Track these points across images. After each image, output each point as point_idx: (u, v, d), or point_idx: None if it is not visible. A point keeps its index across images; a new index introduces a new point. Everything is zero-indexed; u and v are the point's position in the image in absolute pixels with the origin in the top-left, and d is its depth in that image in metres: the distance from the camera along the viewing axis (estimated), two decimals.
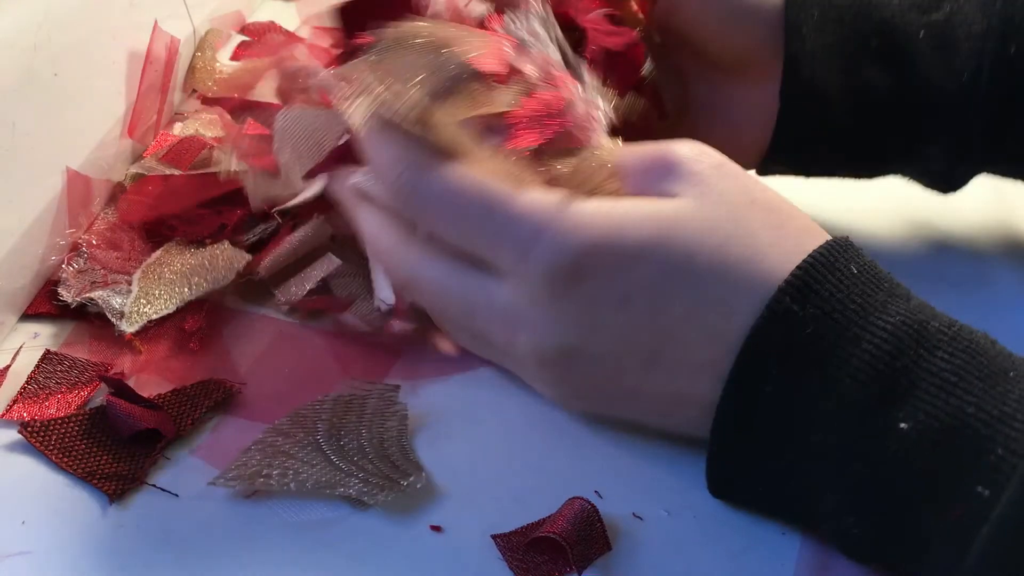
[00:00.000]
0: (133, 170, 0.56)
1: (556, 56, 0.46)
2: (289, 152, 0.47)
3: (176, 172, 0.54)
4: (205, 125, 0.59)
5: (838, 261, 0.40)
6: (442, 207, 0.42)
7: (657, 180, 0.42)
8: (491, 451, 0.46)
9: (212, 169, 0.54)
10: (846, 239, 0.41)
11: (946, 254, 0.56)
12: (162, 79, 0.58)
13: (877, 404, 0.38)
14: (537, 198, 0.41)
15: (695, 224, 0.40)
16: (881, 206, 0.58)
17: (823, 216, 0.56)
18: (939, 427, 0.37)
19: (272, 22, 0.65)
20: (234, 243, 0.52)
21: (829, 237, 0.41)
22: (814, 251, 0.40)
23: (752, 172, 0.53)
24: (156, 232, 0.53)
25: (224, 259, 0.51)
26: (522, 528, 0.42)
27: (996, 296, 0.54)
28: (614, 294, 0.40)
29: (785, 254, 0.40)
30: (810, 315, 0.39)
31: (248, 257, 0.51)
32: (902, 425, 0.37)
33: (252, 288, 0.52)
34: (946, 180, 0.53)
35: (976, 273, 0.55)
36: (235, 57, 0.63)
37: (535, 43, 0.46)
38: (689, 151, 0.42)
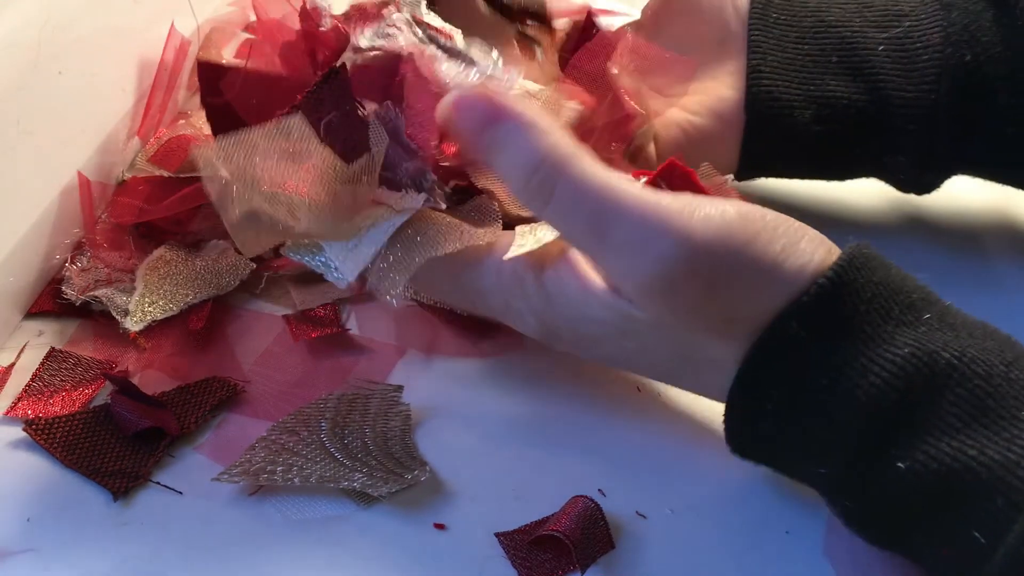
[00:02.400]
0: (127, 172, 0.56)
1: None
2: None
3: (165, 173, 0.54)
4: (208, 123, 0.58)
5: (853, 282, 0.38)
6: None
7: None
8: (495, 449, 0.46)
9: (198, 173, 0.54)
10: (860, 250, 0.39)
11: (943, 240, 0.57)
12: (169, 78, 0.58)
13: (877, 441, 0.37)
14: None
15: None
16: (877, 193, 0.58)
17: (818, 205, 0.57)
18: (937, 468, 0.36)
19: (276, 20, 0.65)
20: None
21: (839, 253, 0.39)
22: (827, 271, 0.38)
23: (730, 177, 0.54)
24: (149, 234, 0.53)
25: (228, 265, 0.52)
26: (526, 526, 0.42)
27: (994, 281, 0.54)
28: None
29: (795, 275, 0.39)
30: (816, 341, 0.38)
31: (252, 265, 0.51)
32: (899, 464, 0.37)
33: (256, 286, 0.52)
34: (916, 185, 0.53)
35: (974, 258, 0.56)
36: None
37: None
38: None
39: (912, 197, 0.56)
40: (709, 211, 0.39)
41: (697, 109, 0.52)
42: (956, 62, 0.50)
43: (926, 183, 0.53)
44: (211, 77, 0.49)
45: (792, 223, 0.40)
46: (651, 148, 0.51)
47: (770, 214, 0.39)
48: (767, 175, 0.55)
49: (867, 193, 0.58)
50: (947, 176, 0.53)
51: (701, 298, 0.39)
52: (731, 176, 0.54)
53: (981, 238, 0.57)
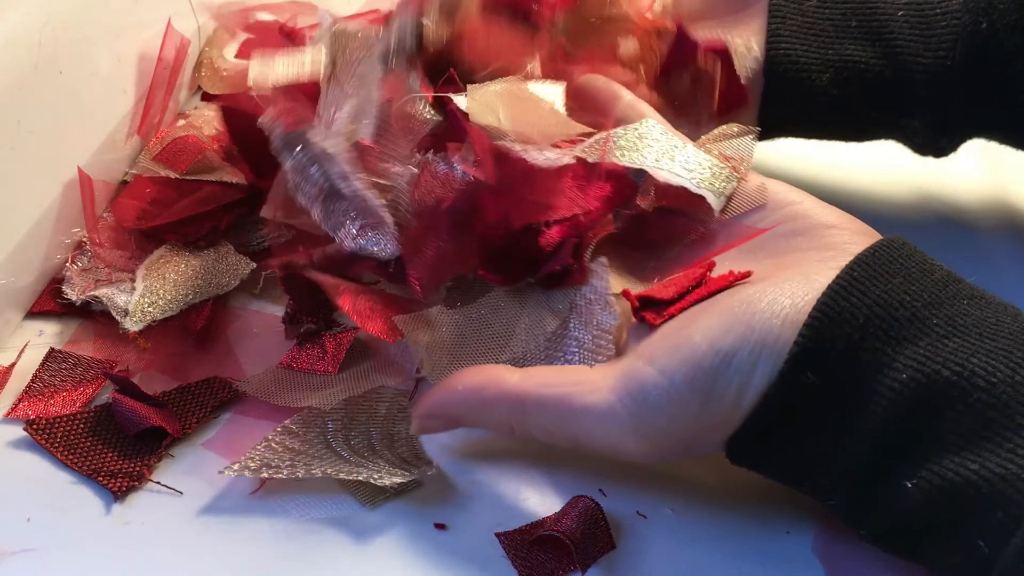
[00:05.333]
0: (131, 170, 0.56)
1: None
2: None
3: (172, 175, 0.54)
4: (208, 123, 0.58)
5: (839, 316, 0.38)
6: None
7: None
8: (496, 449, 0.46)
9: (210, 177, 0.54)
10: (851, 273, 0.39)
11: (940, 224, 0.58)
12: (169, 77, 0.58)
13: (882, 467, 0.38)
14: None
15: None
16: (877, 175, 0.60)
17: (821, 189, 0.58)
18: (940, 484, 0.36)
19: (277, 20, 0.65)
20: (237, 248, 0.52)
21: (833, 278, 0.39)
22: (819, 305, 0.38)
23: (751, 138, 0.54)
24: (151, 233, 0.53)
25: (228, 265, 0.52)
26: (526, 526, 0.42)
27: (990, 268, 0.55)
28: None
29: (796, 314, 0.39)
30: (819, 381, 0.38)
31: (252, 265, 0.51)
32: (907, 483, 0.37)
33: (256, 286, 0.52)
34: (931, 149, 0.54)
35: (970, 243, 0.57)
36: (240, 55, 0.63)
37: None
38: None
39: (907, 184, 0.57)
40: (657, 422, 0.40)
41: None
42: (972, 29, 0.50)
43: (941, 147, 0.54)
44: (234, 120, 0.52)
45: (749, 339, 0.39)
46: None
47: (728, 341, 0.39)
48: (785, 135, 0.55)
49: (869, 182, 0.59)
50: (962, 141, 0.54)
51: (675, 450, 0.41)
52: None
53: (975, 221, 0.58)
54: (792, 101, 0.53)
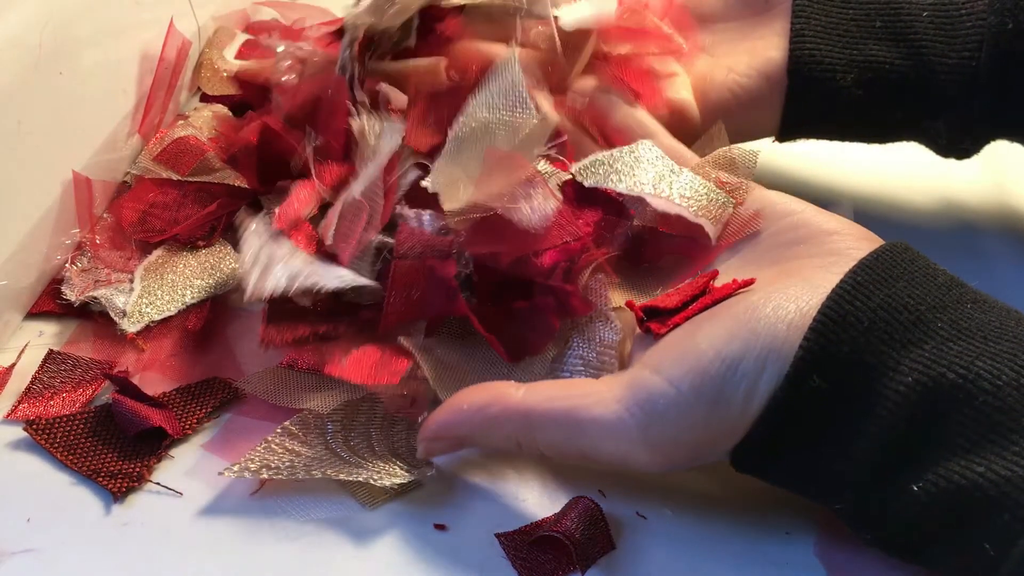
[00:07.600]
0: (131, 170, 0.56)
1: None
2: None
3: (174, 176, 0.54)
4: (207, 124, 0.58)
5: (844, 319, 0.38)
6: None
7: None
8: (495, 450, 0.46)
9: (212, 179, 0.54)
10: (855, 277, 0.39)
11: (941, 225, 0.58)
12: (170, 78, 0.58)
13: (889, 470, 0.38)
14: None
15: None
16: (878, 176, 0.60)
17: (822, 189, 0.59)
18: (947, 487, 0.36)
19: (276, 20, 0.65)
20: (237, 248, 0.52)
21: (837, 283, 0.39)
22: (824, 309, 0.39)
23: (771, 139, 0.55)
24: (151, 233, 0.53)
25: (227, 265, 0.52)
26: (526, 527, 0.42)
27: (991, 268, 0.55)
28: None
29: (801, 318, 0.39)
30: (826, 385, 0.38)
31: None
32: (913, 487, 0.37)
33: None
34: (955, 150, 0.54)
35: (971, 243, 0.57)
36: (240, 56, 0.63)
37: None
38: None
39: (908, 184, 0.57)
40: (665, 430, 0.40)
41: (745, 71, 0.53)
42: (998, 30, 0.50)
43: (965, 148, 0.54)
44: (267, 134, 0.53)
45: (755, 345, 0.39)
46: (690, 99, 0.53)
47: (733, 348, 0.39)
48: (808, 137, 0.55)
49: (870, 183, 0.60)
50: (986, 142, 0.54)
51: (683, 460, 0.41)
52: (772, 139, 0.55)
53: (976, 221, 0.59)
54: (816, 102, 0.52)
